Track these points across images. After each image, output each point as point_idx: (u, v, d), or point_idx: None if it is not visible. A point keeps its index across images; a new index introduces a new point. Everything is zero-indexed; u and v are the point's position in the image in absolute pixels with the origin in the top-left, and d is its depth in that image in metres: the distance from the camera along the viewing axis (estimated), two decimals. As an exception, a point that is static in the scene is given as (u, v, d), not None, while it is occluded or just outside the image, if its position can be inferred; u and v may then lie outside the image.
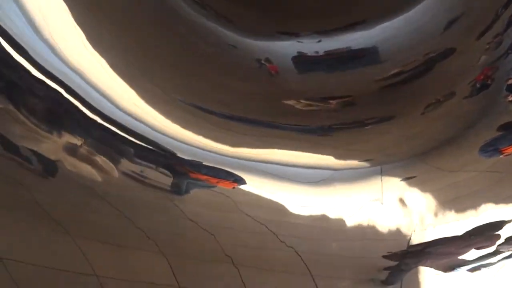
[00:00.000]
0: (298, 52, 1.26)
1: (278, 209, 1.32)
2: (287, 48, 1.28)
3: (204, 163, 1.45)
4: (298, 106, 1.38)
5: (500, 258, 1.67)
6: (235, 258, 1.05)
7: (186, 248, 0.97)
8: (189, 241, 1.01)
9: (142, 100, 1.16)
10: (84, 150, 1.08)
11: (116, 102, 1.01)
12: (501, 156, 1.99)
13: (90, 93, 0.94)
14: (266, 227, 1.43)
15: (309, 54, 1.30)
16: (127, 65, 1.02)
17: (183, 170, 1.29)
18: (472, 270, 1.67)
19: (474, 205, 1.48)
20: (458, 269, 1.62)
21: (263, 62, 1.11)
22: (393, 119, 1.48)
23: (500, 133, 2.13)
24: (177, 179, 1.22)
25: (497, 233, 1.45)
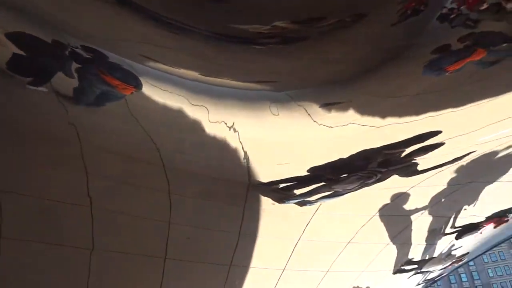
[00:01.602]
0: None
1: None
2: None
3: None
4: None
5: (318, 197, 2.12)
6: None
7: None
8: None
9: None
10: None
11: None
12: (447, 73, 2.29)
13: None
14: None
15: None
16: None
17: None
18: (299, 204, 2.15)
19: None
20: (287, 202, 2.13)
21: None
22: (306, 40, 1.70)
23: (437, 55, 2.42)
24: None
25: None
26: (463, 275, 67.86)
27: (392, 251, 5.71)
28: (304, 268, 5.37)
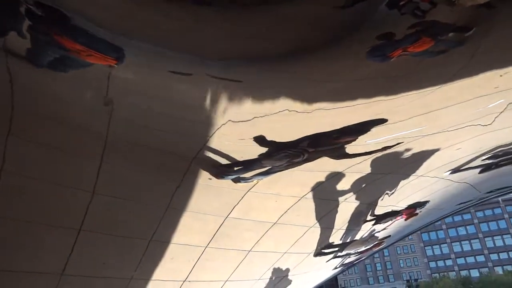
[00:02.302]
0: None
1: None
2: None
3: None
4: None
5: (252, 174, 2.16)
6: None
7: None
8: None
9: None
10: None
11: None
12: (391, 60, 2.25)
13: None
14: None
15: None
16: None
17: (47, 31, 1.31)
18: (235, 180, 2.17)
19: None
20: (225, 177, 2.14)
21: None
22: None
23: (382, 41, 2.36)
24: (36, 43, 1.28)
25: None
26: (378, 264, 73.86)
27: (315, 233, 5.87)
28: (227, 246, 5.32)
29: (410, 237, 73.59)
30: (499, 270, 58.80)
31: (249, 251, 5.45)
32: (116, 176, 4.01)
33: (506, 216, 67.73)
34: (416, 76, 3.69)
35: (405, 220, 7.30)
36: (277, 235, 5.60)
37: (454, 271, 65.50)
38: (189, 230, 4.95)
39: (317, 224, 5.77)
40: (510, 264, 61.32)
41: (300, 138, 3.98)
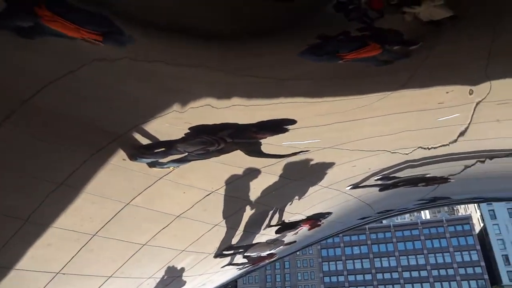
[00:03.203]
0: None
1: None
2: None
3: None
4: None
5: (168, 160, 1.98)
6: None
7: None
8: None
9: None
10: None
11: None
12: (341, 61, 2.06)
13: None
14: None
15: None
16: None
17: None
18: (150, 164, 1.96)
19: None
20: (138, 159, 1.90)
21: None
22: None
23: (321, 41, 2.15)
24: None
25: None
26: (278, 276, 76.47)
27: (219, 232, 5.66)
28: (119, 237, 4.83)
29: (311, 251, 77.78)
30: (382, 288, 64.75)
31: (144, 245, 5.01)
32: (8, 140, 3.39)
33: (394, 240, 75.31)
34: (351, 82, 3.74)
35: (309, 230, 7.49)
36: (179, 230, 5.28)
37: (345, 287, 70.52)
38: (78, 214, 4.38)
39: (223, 223, 5.57)
40: (391, 283, 68.05)
41: (221, 124, 3.80)
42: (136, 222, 4.93)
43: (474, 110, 3.76)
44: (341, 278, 74.10)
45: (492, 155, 4.99)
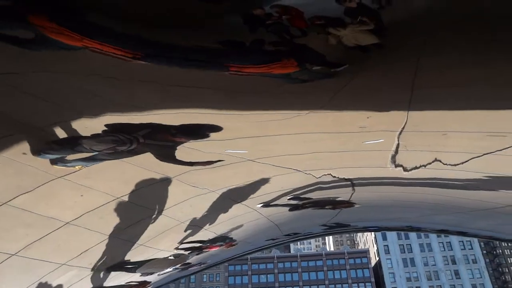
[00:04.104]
0: None
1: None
2: None
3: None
4: None
5: (73, 159, 1.53)
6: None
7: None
8: None
9: None
10: None
11: None
12: (227, 73, 1.68)
13: None
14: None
15: None
16: None
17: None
18: (53, 161, 1.48)
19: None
20: (42, 155, 1.42)
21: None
22: None
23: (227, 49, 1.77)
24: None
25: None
26: (181, 298, 73.28)
27: (111, 245, 5.02)
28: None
29: (218, 279, 76.41)
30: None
31: (13, 254, 4.18)
32: None
33: (299, 270, 77.71)
34: (266, 96, 3.62)
35: (227, 247, 7.16)
36: (63, 239, 4.55)
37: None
38: None
39: (119, 234, 4.98)
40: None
41: (140, 124, 3.42)
42: (11, 226, 4.13)
43: (399, 138, 3.82)
44: (246, 296, 73.76)
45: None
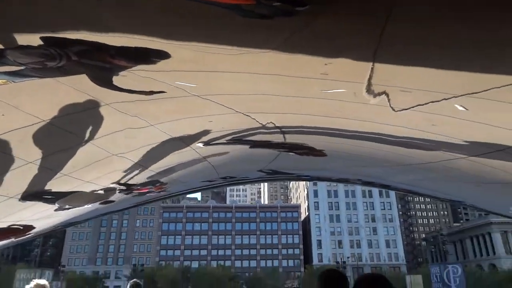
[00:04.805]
0: None
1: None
2: None
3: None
4: None
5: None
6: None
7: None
8: None
9: None
10: None
11: None
12: None
13: None
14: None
15: None
16: None
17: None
18: None
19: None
20: None
21: None
22: None
23: None
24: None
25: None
26: (111, 246, 73.28)
27: (29, 172, 4.59)
28: None
29: (151, 224, 76.78)
30: (214, 264, 68.77)
31: None
32: None
33: (233, 220, 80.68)
34: (214, 28, 3.29)
35: (156, 190, 6.95)
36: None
37: (179, 261, 72.26)
38: None
39: (41, 161, 4.54)
40: (223, 259, 72.93)
41: (75, 39, 2.95)
42: None
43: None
44: (177, 252, 75.68)
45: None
